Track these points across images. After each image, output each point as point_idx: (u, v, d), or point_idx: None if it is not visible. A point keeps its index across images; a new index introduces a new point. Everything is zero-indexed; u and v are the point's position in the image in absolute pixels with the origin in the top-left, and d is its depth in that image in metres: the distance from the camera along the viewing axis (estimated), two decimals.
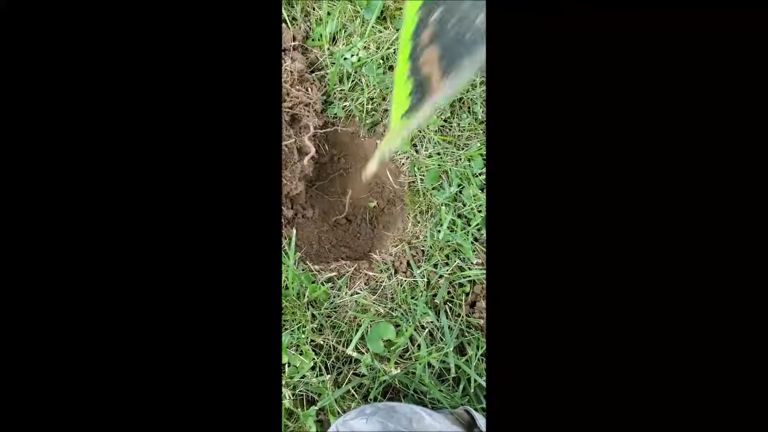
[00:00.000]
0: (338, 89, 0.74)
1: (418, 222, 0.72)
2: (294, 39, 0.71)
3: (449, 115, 0.73)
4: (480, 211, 0.70)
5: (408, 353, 0.64)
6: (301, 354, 0.61)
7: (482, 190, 0.71)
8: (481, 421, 0.53)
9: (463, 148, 0.74)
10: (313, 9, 0.77)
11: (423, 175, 0.73)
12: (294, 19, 0.75)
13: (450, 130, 0.74)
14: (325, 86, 0.73)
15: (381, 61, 0.74)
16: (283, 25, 0.73)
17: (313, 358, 0.61)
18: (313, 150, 0.63)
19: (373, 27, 0.74)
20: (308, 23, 0.76)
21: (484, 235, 0.69)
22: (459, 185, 0.72)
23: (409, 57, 0.48)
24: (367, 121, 0.75)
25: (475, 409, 0.62)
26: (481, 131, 0.74)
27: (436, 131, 0.74)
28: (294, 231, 0.60)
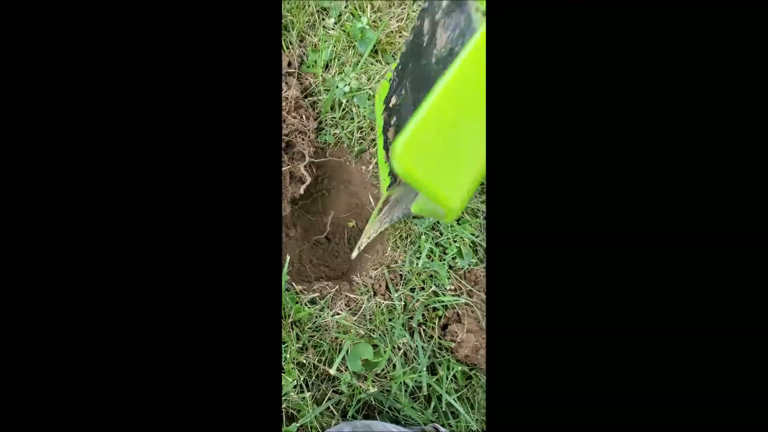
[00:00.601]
0: (329, 117, 0.77)
1: (398, 247, 0.77)
2: (290, 65, 0.73)
3: None
4: (455, 242, 0.76)
5: (383, 371, 0.69)
6: (284, 372, 0.64)
7: (458, 222, 0.77)
8: None
9: None
10: (308, 34, 0.79)
11: None
12: (290, 43, 0.77)
13: None
14: (318, 113, 0.76)
15: (371, 93, 0.78)
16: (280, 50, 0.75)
17: (296, 378, 0.64)
18: (309, 179, 0.66)
19: (365, 59, 0.78)
20: (303, 48, 0.78)
21: (458, 264, 0.75)
22: None
23: (383, 147, 0.58)
24: (356, 149, 0.78)
25: (443, 425, 0.68)
26: None
27: None
28: (288, 257, 0.63)
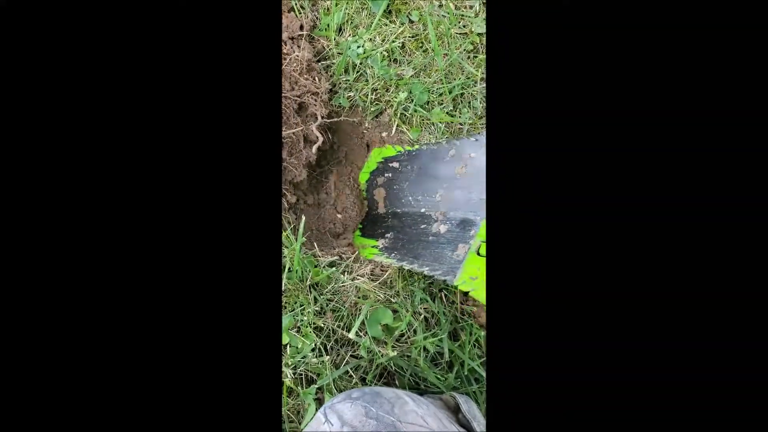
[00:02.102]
0: (343, 79, 0.75)
1: None
2: (302, 28, 0.72)
3: (452, 108, 0.76)
4: None
5: (404, 337, 0.67)
6: (302, 335, 0.63)
7: None
8: (465, 406, 0.56)
9: None
10: None
11: None
12: (302, 7, 0.76)
13: (452, 123, 0.77)
14: (331, 76, 0.74)
15: (386, 54, 0.76)
16: (292, 13, 0.74)
17: (314, 341, 0.63)
18: (321, 139, 0.64)
19: (379, 20, 0.76)
20: (315, 12, 0.77)
21: None
22: None
23: (366, 187, 0.79)
24: (372, 109, 0.76)
25: (466, 392, 0.65)
26: (480, 125, 0.76)
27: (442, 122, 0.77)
28: (303, 217, 0.62)
